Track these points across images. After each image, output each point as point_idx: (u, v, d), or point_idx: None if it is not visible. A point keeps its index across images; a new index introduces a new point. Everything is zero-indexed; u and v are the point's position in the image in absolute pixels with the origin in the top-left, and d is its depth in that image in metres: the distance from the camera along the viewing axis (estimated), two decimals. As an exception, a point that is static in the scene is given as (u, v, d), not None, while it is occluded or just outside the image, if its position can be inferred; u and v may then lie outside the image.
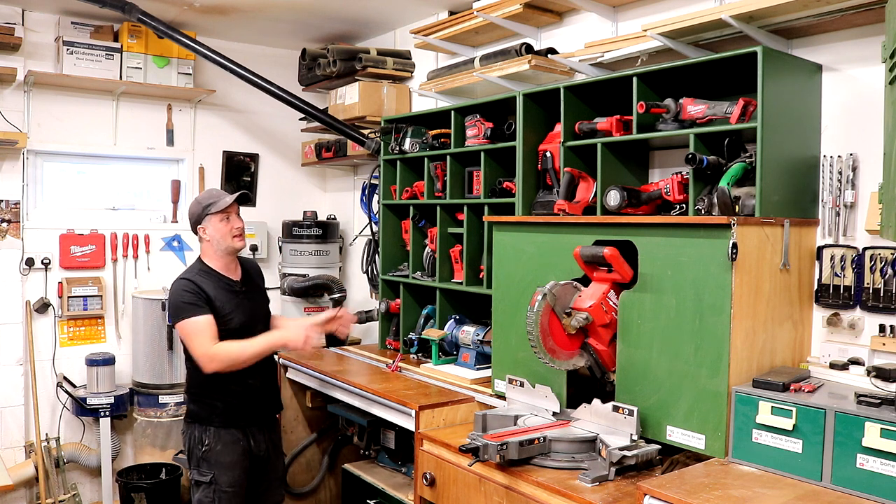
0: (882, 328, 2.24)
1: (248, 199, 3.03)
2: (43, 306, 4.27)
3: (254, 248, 4.86)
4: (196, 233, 2.98)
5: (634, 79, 2.54)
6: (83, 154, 4.48)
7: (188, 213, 3.02)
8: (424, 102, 4.07)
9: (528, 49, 3.21)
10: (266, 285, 3.25)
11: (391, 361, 3.51)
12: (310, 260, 4.61)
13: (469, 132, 3.31)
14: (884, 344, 2.21)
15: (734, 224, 2.08)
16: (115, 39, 4.33)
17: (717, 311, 2.15)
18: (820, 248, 2.40)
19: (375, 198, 4.19)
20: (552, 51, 3.18)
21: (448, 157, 3.40)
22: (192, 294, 2.81)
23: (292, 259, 4.63)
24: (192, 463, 2.91)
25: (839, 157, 2.36)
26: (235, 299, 2.93)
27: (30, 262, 4.22)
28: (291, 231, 4.64)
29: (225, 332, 2.83)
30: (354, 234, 4.91)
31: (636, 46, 2.72)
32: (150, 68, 4.38)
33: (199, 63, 4.55)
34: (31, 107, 4.23)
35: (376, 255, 4.09)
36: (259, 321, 3.00)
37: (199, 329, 2.77)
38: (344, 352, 3.93)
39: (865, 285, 2.28)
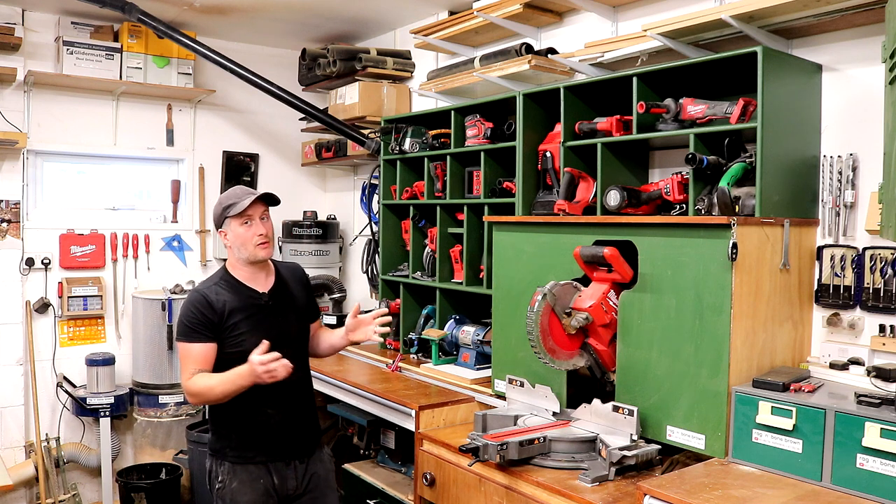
0: (882, 328, 2.24)
1: (273, 199, 2.56)
2: (43, 306, 4.27)
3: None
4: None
5: (634, 79, 2.54)
6: (83, 154, 4.48)
7: (213, 214, 2.64)
8: (424, 102, 4.07)
9: (528, 49, 3.21)
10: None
11: (391, 361, 3.51)
12: (310, 260, 4.61)
13: (469, 132, 3.31)
14: (884, 344, 2.21)
15: (734, 224, 2.08)
16: (115, 39, 4.32)
17: (717, 311, 2.15)
18: (820, 248, 2.40)
19: (375, 198, 4.19)
20: (552, 51, 3.18)
21: (448, 157, 3.39)
22: (196, 315, 2.45)
23: (292, 259, 4.63)
24: (212, 497, 2.58)
25: (839, 157, 2.36)
26: (256, 316, 2.51)
27: (30, 262, 4.22)
28: (291, 231, 4.65)
29: (237, 355, 2.42)
30: (354, 234, 4.91)
31: (636, 46, 2.72)
32: (150, 68, 4.38)
33: (199, 63, 4.55)
34: (31, 107, 4.23)
35: (376, 255, 4.09)
36: (285, 342, 2.47)
37: (188, 357, 2.45)
38: (344, 352, 3.92)
39: (865, 285, 2.28)
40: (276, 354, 2.27)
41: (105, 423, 4.13)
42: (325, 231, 4.67)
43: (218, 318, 2.47)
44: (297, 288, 2.68)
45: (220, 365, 2.46)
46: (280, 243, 4.75)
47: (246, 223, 2.51)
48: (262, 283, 2.58)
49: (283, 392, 2.49)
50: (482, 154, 3.22)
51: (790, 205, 2.31)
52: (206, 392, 2.40)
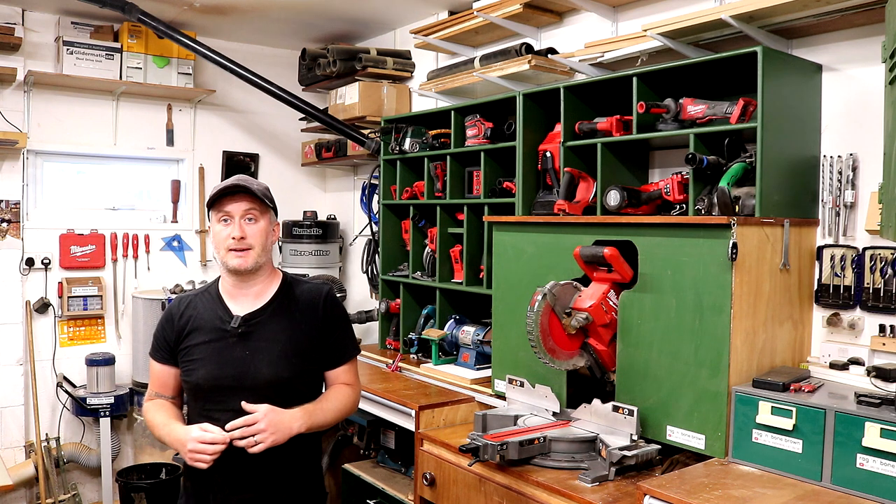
0: (882, 328, 2.24)
1: (243, 189, 2.01)
2: (43, 306, 4.27)
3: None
4: None
5: (634, 79, 2.54)
6: (83, 154, 4.48)
7: None
8: (424, 102, 4.07)
9: (528, 49, 3.21)
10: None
11: (391, 361, 3.51)
12: (310, 260, 4.61)
13: (469, 132, 3.31)
14: (884, 344, 2.21)
15: (734, 224, 2.08)
16: (115, 39, 4.32)
17: (717, 311, 2.15)
18: (820, 248, 2.40)
19: (375, 198, 4.19)
20: (552, 51, 3.18)
21: (448, 157, 3.39)
22: (158, 330, 2.11)
23: (292, 259, 4.64)
24: None
25: (839, 157, 2.36)
26: (218, 343, 2.01)
27: (30, 262, 4.22)
28: (291, 231, 4.65)
29: (189, 387, 2.07)
30: (354, 234, 4.91)
31: (636, 46, 2.72)
32: (150, 68, 4.38)
33: (199, 63, 4.55)
34: (31, 107, 4.23)
35: (376, 255, 4.09)
36: (248, 390, 1.95)
37: (151, 374, 2.14)
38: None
39: (865, 285, 2.28)
40: (220, 440, 1.85)
41: (105, 423, 4.13)
42: (325, 231, 4.67)
43: (175, 336, 2.06)
44: (303, 320, 2.07)
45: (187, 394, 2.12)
46: (280, 243, 4.74)
47: (224, 220, 2.02)
48: (248, 303, 2.06)
49: (235, 460, 1.93)
50: (482, 154, 3.22)
51: (790, 205, 2.31)
52: (151, 428, 2.09)
